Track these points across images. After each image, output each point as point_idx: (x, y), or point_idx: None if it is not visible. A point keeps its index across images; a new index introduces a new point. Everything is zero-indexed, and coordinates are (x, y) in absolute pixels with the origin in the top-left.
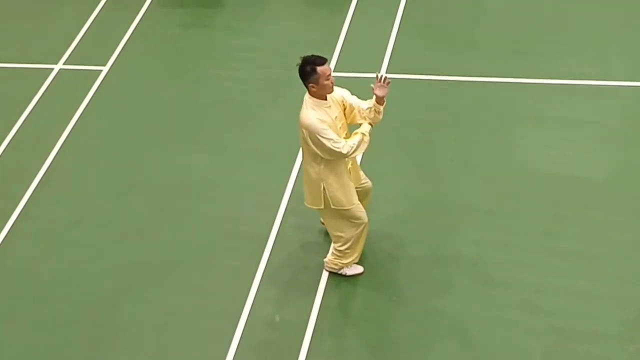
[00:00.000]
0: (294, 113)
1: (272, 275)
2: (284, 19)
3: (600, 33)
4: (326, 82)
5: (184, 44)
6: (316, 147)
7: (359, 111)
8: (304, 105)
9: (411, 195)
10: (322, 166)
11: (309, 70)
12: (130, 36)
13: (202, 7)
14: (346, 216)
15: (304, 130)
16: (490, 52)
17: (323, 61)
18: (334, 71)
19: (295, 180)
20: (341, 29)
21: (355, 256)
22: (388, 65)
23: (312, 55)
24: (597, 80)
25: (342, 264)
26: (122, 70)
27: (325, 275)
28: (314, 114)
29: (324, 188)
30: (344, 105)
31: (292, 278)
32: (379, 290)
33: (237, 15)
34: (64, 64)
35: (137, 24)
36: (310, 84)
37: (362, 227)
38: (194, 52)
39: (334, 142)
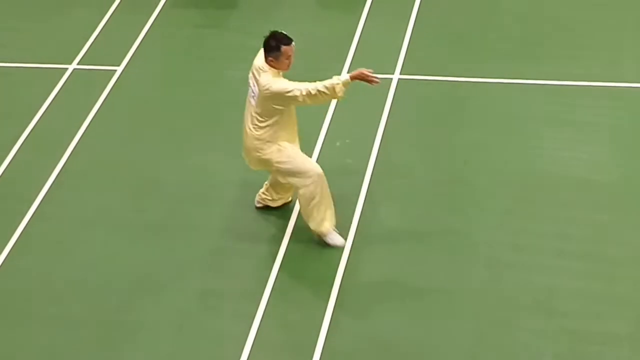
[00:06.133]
0: (308, 114)
1: (287, 275)
2: (298, 21)
3: (614, 36)
4: (285, 61)
5: (197, 44)
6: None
7: None
8: (267, 73)
9: (425, 195)
10: (270, 128)
11: (274, 45)
12: (144, 37)
13: (216, 9)
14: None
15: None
16: (504, 54)
17: (289, 42)
18: (347, 72)
19: None
20: (355, 30)
21: (323, 217)
22: (402, 67)
23: (282, 33)
24: (610, 82)
25: (316, 227)
26: (136, 70)
27: (340, 273)
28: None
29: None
30: None
31: (306, 278)
32: (393, 291)
33: (251, 17)
34: (78, 64)
35: (151, 25)
36: (270, 58)
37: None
38: (208, 53)
39: (297, 88)
